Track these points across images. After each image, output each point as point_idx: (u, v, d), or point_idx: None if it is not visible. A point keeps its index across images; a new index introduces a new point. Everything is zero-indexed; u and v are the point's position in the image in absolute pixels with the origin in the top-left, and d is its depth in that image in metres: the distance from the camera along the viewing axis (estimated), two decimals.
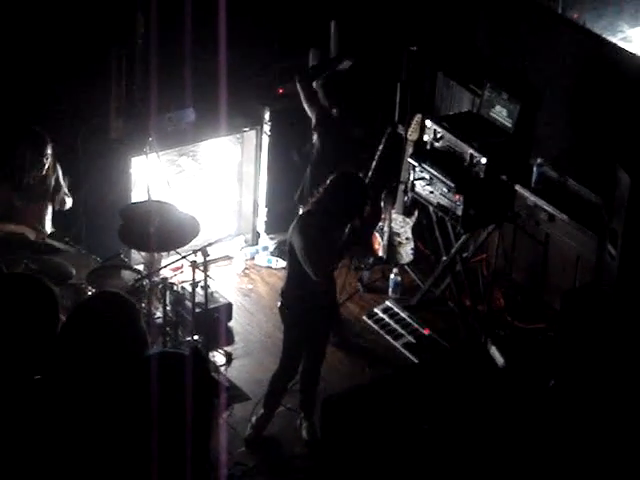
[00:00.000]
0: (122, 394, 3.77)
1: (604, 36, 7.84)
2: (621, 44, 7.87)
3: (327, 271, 6.66)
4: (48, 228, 7.63)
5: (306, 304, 6.70)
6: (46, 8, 7.73)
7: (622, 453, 6.45)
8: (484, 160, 7.39)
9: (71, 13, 7.76)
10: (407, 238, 8.19)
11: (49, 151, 7.34)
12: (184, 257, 7.08)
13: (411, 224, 8.16)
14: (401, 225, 8.20)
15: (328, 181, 6.60)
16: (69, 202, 7.67)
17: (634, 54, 7.78)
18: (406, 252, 8.23)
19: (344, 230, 6.64)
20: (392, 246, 8.26)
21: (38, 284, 4.00)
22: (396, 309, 8.18)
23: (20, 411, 3.80)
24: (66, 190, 7.64)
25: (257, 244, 8.69)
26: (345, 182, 6.60)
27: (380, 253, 8.35)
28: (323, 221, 6.52)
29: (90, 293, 6.98)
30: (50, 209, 7.61)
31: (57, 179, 7.57)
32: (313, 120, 7.77)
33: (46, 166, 7.39)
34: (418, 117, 7.93)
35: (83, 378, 3.82)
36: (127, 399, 3.76)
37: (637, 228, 6.49)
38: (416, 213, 8.13)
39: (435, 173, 7.60)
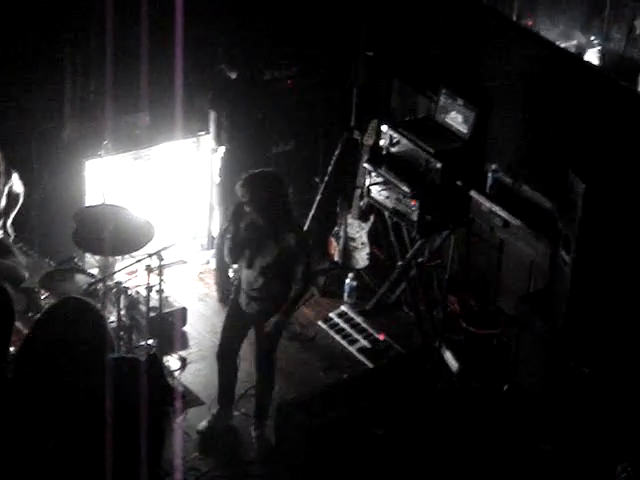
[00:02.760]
0: (81, 399, 3.75)
1: (558, 43, 7.91)
2: (574, 51, 7.96)
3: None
4: None
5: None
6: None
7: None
8: (439, 165, 7.43)
9: (24, 14, 7.69)
10: (362, 243, 8.21)
11: None
12: (139, 261, 7.04)
13: (367, 229, 8.17)
14: (357, 230, 8.21)
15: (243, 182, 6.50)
16: (20, 199, 7.61)
17: (587, 61, 7.86)
18: (361, 257, 8.25)
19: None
20: (348, 251, 8.27)
21: None
22: (351, 314, 8.19)
23: None
24: (16, 188, 7.56)
25: (212, 248, 8.66)
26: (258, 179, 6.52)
27: (336, 258, 8.36)
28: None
29: (43, 297, 6.93)
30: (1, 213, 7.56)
31: (9, 183, 7.51)
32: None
33: None
34: (374, 122, 7.96)
35: (48, 384, 3.79)
36: (84, 403, 3.75)
37: (590, 234, 6.54)
38: (372, 218, 8.14)
39: (391, 178, 7.63)
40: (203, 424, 7.11)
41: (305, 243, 6.67)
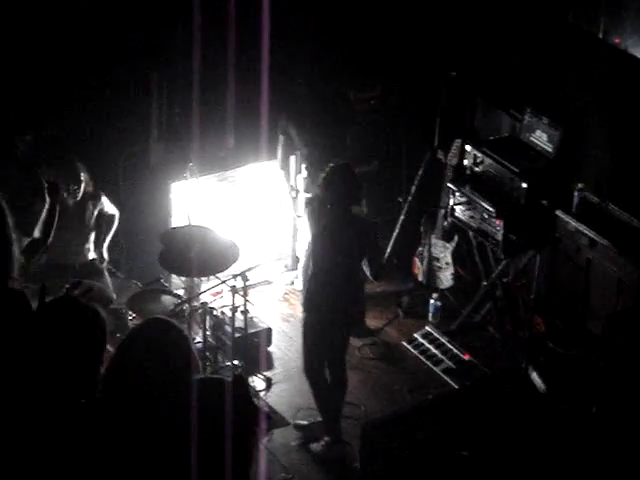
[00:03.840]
0: (167, 420, 3.78)
1: None
2: None
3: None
4: (89, 252, 7.69)
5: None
6: (87, 34, 7.80)
7: None
8: (524, 185, 7.36)
9: (111, 39, 7.83)
10: (447, 263, 8.17)
11: (82, 176, 7.41)
12: (224, 282, 7.09)
13: (451, 249, 8.14)
14: (441, 250, 8.18)
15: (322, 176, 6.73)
16: (115, 222, 7.74)
17: None
18: (446, 277, 8.21)
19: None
20: (432, 271, 8.24)
21: (86, 308, 4.02)
22: (436, 334, 8.15)
23: (67, 434, 3.82)
24: (109, 209, 7.70)
25: (297, 269, 8.69)
26: (337, 172, 6.69)
27: (420, 278, 8.33)
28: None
29: (130, 318, 7.01)
30: (92, 235, 7.67)
31: (99, 205, 7.64)
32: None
33: (80, 191, 7.45)
34: (458, 142, 7.93)
35: (133, 404, 3.83)
36: (171, 424, 3.77)
37: None
38: (456, 238, 8.10)
39: (475, 198, 7.59)
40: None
41: (374, 231, 6.82)
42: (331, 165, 6.76)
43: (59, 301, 4.15)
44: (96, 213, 7.64)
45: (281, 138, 8.25)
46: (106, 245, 7.72)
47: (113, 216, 7.72)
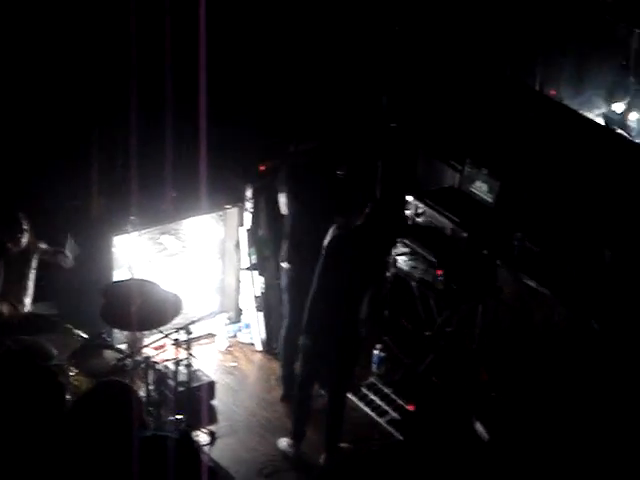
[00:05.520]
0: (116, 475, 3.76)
1: (581, 112, 7.95)
2: (598, 120, 7.98)
3: None
4: (27, 305, 7.63)
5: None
6: (27, 90, 7.78)
7: None
8: (465, 235, 7.43)
9: (53, 94, 7.82)
10: None
11: (24, 227, 7.39)
12: (167, 335, 7.05)
13: None
14: None
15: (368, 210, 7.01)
16: (69, 261, 7.70)
17: (612, 130, 7.88)
18: None
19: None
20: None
21: (42, 369, 4.01)
22: (380, 385, 8.15)
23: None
24: (67, 252, 7.67)
25: (240, 321, 8.66)
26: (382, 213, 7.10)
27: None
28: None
29: (72, 374, 6.93)
30: (31, 286, 7.62)
31: (42, 253, 7.62)
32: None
33: (24, 239, 7.41)
34: None
35: (83, 459, 3.81)
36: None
37: (621, 303, 6.52)
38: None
39: (417, 248, 7.63)
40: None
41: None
42: None
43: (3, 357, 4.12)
44: (35, 265, 7.60)
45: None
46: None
47: (60, 256, 7.73)
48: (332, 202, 7.54)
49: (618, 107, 8.14)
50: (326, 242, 7.07)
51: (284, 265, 7.75)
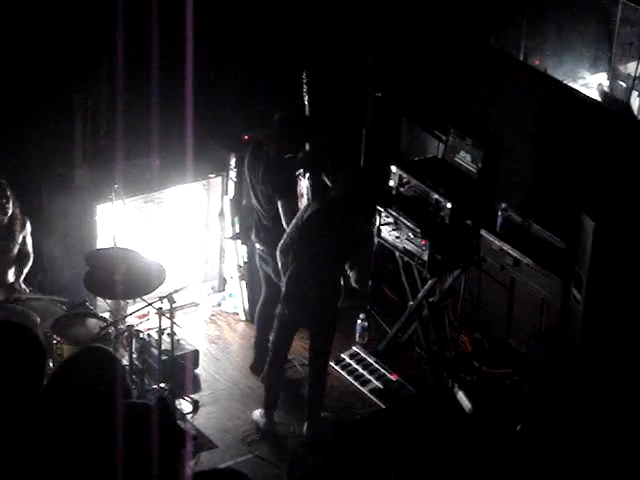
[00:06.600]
0: (94, 444, 3.76)
1: (565, 82, 7.94)
2: (582, 90, 7.98)
3: None
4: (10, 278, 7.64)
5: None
6: (8, 55, 7.73)
7: None
8: (449, 205, 7.44)
9: (36, 59, 7.77)
10: None
11: (8, 192, 7.36)
12: (150, 304, 7.05)
13: None
14: None
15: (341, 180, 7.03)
16: (29, 262, 7.70)
17: (595, 100, 7.88)
18: None
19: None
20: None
21: (23, 331, 4.00)
22: (363, 355, 8.17)
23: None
24: (29, 249, 7.68)
25: (224, 290, 8.66)
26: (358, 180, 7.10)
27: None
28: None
29: (55, 342, 6.93)
30: (13, 266, 7.63)
31: (24, 232, 7.59)
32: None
33: (10, 207, 7.39)
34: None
35: (64, 427, 3.81)
36: (96, 449, 3.76)
37: (601, 272, 6.54)
38: None
39: (401, 218, 7.64)
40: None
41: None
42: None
43: None
44: (20, 240, 7.59)
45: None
46: (22, 279, 7.68)
47: (29, 254, 7.68)
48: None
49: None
50: (305, 215, 7.05)
51: (257, 245, 7.74)
